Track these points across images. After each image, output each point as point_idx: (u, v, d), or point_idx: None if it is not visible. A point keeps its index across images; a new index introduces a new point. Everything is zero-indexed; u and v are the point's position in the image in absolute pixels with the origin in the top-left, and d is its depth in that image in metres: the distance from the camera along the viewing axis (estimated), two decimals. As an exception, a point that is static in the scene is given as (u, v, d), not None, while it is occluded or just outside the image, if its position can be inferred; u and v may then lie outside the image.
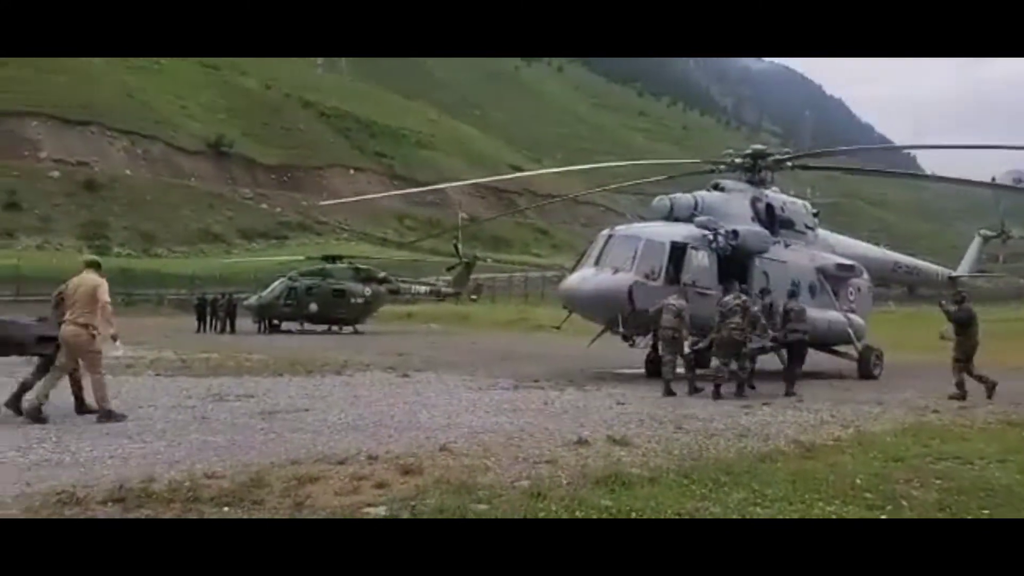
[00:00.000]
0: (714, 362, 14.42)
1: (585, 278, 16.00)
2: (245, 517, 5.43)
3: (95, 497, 5.75)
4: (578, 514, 5.50)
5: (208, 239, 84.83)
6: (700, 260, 16.17)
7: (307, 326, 35.14)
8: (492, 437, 8.67)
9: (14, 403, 9.47)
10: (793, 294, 15.71)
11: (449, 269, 42.47)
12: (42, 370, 9.66)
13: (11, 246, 66.36)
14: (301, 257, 43.02)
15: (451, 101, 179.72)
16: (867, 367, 17.42)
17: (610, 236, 16.62)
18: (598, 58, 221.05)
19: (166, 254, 79.30)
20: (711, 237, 16.36)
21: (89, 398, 9.60)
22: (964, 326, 14.05)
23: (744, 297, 14.09)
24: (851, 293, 19.27)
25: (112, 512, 5.48)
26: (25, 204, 75.28)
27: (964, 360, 13.81)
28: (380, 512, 5.55)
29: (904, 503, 6.08)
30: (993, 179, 23.51)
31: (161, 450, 7.65)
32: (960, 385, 13.56)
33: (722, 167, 19.31)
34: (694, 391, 13.50)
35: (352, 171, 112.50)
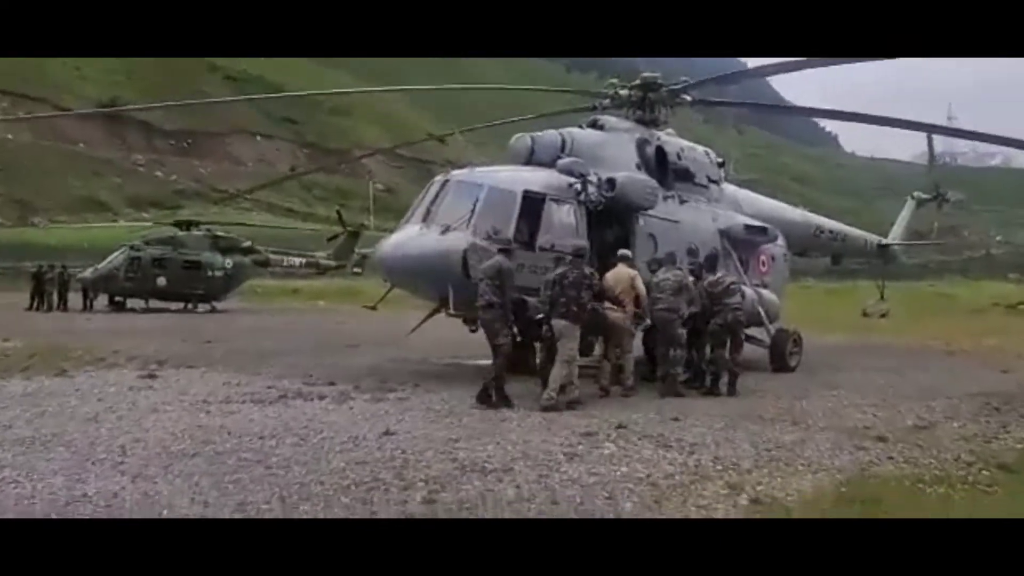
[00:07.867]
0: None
1: (403, 241, 11.71)
2: None
3: None
4: None
5: (93, 207, 77.96)
6: (563, 216, 12.01)
7: (155, 303, 29.91)
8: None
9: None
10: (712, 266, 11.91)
11: (330, 239, 37.34)
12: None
13: None
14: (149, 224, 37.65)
15: (372, 69, 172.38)
16: (781, 357, 13.65)
17: (445, 182, 12.24)
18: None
19: (43, 223, 72.47)
20: (578, 186, 12.18)
21: None
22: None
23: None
24: (763, 263, 15.38)
25: None
26: None
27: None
28: None
29: None
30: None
31: None
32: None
33: (605, 102, 15.01)
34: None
35: (259, 138, 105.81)
